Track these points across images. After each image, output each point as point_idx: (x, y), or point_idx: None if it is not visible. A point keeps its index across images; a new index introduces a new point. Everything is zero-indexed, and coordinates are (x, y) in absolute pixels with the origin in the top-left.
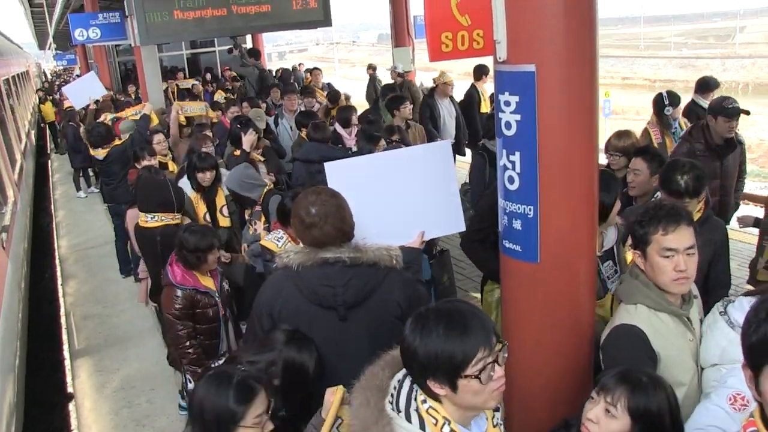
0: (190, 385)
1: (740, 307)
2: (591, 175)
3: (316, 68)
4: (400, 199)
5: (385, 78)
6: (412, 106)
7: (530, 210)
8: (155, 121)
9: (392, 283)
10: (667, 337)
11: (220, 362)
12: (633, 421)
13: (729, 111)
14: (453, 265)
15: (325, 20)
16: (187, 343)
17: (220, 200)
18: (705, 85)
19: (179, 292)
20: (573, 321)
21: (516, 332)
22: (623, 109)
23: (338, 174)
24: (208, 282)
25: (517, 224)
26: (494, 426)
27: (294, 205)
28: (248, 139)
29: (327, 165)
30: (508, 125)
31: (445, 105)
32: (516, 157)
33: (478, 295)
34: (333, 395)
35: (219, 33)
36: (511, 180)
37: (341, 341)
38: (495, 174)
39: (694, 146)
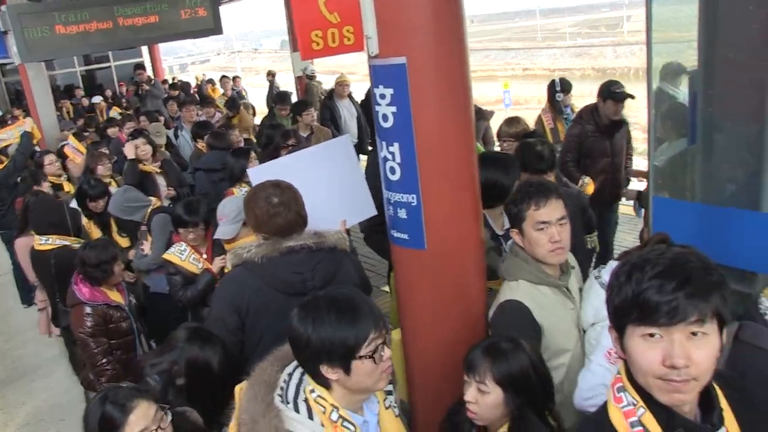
0: None
1: (611, 270)
2: (470, 161)
3: (224, 76)
4: (318, 193)
5: (286, 84)
6: (315, 112)
7: (413, 198)
8: (37, 136)
9: (349, 266)
10: (549, 308)
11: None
12: (503, 389)
13: (617, 95)
14: (363, 262)
15: (215, 28)
16: (104, 360)
17: (114, 223)
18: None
19: (89, 309)
20: (464, 303)
21: (411, 318)
22: (525, 99)
23: (262, 176)
24: (116, 296)
25: (402, 213)
26: (387, 408)
27: (251, 200)
28: (129, 147)
29: (250, 171)
30: (385, 117)
31: (345, 106)
32: (395, 148)
33: (388, 288)
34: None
35: (106, 47)
36: (392, 171)
37: None
38: None
39: (585, 127)
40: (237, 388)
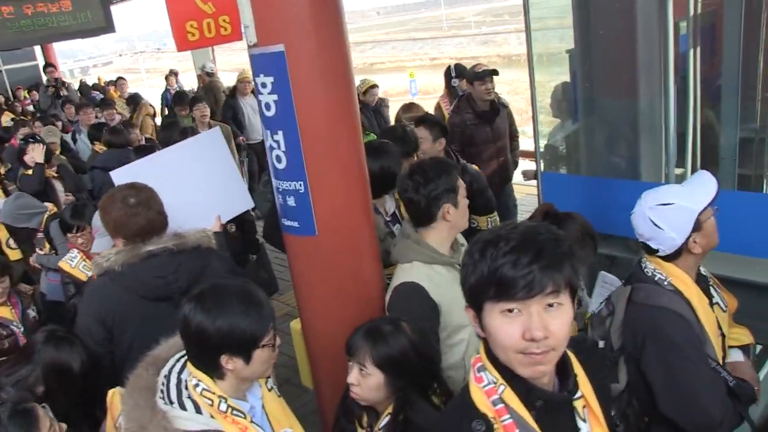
0: None
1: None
2: (355, 146)
3: (120, 78)
4: (189, 191)
5: (189, 83)
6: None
7: (300, 185)
8: None
9: (216, 264)
10: (445, 286)
11: None
12: (383, 371)
13: (480, 74)
14: (272, 257)
15: (107, 27)
16: None
17: (3, 233)
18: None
19: None
20: (358, 287)
21: (307, 304)
22: (434, 89)
23: (125, 179)
24: (2, 311)
25: (291, 201)
26: (269, 390)
27: (107, 204)
28: (35, 152)
29: (113, 173)
30: (268, 106)
31: (248, 103)
32: (279, 136)
33: None
34: (109, 399)
35: None
36: (278, 159)
37: None
38: None
39: (464, 116)
40: (110, 393)
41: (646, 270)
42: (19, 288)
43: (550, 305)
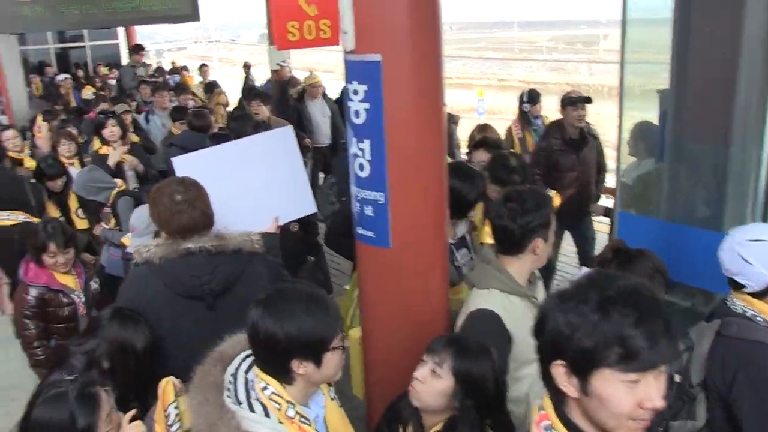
0: None
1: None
2: (439, 162)
3: (204, 64)
4: (250, 187)
5: (263, 77)
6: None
7: (381, 196)
8: None
9: (257, 269)
10: (519, 318)
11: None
12: (457, 381)
13: (574, 99)
14: (328, 260)
15: (192, 15)
16: (35, 344)
17: (73, 203)
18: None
19: (30, 290)
20: (426, 303)
21: (372, 314)
22: (499, 110)
23: (187, 167)
24: (66, 280)
25: (369, 210)
26: (332, 400)
27: (155, 196)
28: (110, 130)
29: (175, 160)
30: (357, 114)
31: (316, 106)
32: (365, 145)
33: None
34: (163, 387)
35: (83, 25)
36: (361, 167)
37: (211, 330)
38: None
39: (551, 142)
40: (164, 381)
41: (734, 307)
42: (84, 258)
43: (659, 370)
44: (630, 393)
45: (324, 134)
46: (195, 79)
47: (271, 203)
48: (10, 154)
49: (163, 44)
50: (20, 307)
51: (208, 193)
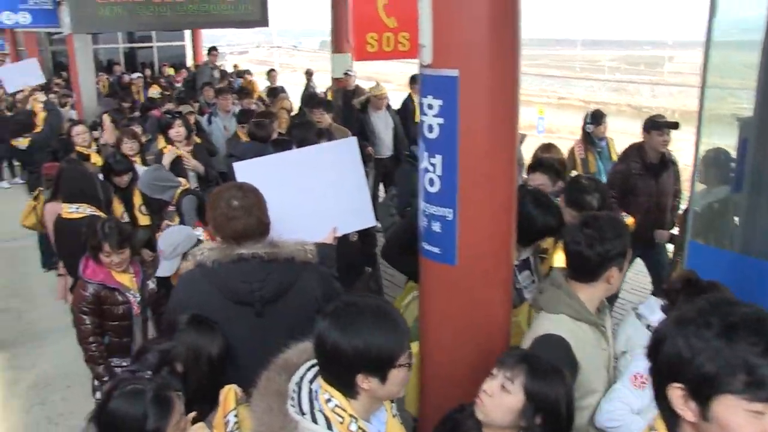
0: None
1: (648, 305)
2: (510, 181)
3: (272, 69)
4: (310, 196)
5: (323, 83)
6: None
7: (449, 213)
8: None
9: (309, 278)
10: (586, 346)
11: (125, 362)
12: (528, 400)
13: (659, 123)
14: (381, 271)
15: (262, 20)
16: (90, 339)
17: (138, 199)
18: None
19: (87, 287)
20: (488, 323)
21: (433, 330)
22: (558, 128)
23: (248, 173)
24: (123, 278)
25: (436, 227)
26: (393, 416)
27: (213, 200)
28: (176, 130)
29: (236, 165)
30: (431, 128)
31: (380, 117)
32: (437, 160)
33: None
34: (225, 394)
35: (155, 26)
36: (431, 182)
37: (259, 337)
38: None
39: (631, 165)
40: (226, 388)
41: None
42: (143, 257)
43: None
44: (754, 423)
45: (386, 145)
46: (258, 83)
47: (330, 213)
48: (78, 148)
49: (225, 47)
50: (78, 302)
51: (266, 200)
